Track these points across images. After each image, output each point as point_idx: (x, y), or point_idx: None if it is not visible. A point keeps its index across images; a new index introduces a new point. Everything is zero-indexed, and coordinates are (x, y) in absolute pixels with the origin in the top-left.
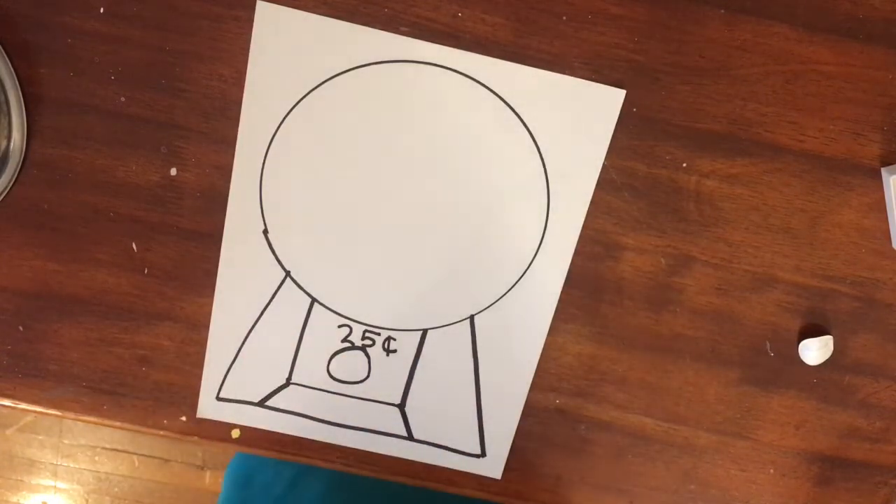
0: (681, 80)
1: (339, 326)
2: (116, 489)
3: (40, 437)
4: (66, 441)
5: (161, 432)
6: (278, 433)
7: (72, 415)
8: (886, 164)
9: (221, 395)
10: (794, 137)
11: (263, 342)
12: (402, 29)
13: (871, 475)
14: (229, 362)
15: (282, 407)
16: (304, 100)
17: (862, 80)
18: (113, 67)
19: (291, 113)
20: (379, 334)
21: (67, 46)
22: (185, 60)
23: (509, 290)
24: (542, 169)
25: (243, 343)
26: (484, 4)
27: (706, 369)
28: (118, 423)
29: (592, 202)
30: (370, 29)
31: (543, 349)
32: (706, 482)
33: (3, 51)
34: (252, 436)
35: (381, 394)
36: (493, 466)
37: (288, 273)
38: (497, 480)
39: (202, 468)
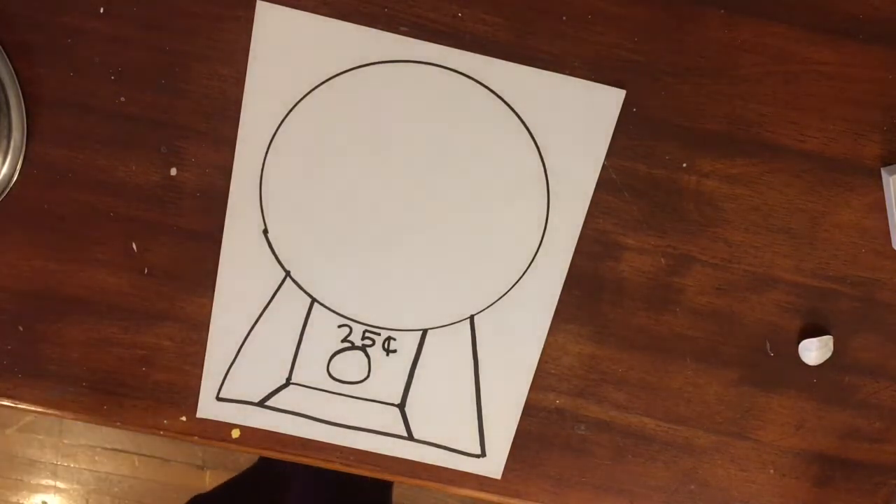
0: (681, 80)
1: (339, 326)
2: (116, 489)
3: (40, 437)
4: (66, 441)
5: (161, 432)
6: (278, 433)
7: (72, 415)
8: (886, 164)
9: (221, 395)
10: (794, 137)
11: (263, 342)
12: (402, 29)
13: (871, 475)
14: (229, 362)
15: (282, 407)
16: (304, 100)
17: (862, 80)
18: (113, 67)
19: (291, 113)
20: (379, 334)
21: (67, 46)
22: (185, 60)
23: (509, 290)
24: (542, 169)
25: (243, 343)
26: (484, 4)
27: (706, 369)
28: (118, 423)
29: (592, 202)
30: (370, 29)
31: (543, 349)
32: (706, 482)
33: (3, 51)
34: (252, 436)
35: (381, 394)
36: (493, 466)
37: (288, 273)
38: (497, 480)
39: (202, 468)
